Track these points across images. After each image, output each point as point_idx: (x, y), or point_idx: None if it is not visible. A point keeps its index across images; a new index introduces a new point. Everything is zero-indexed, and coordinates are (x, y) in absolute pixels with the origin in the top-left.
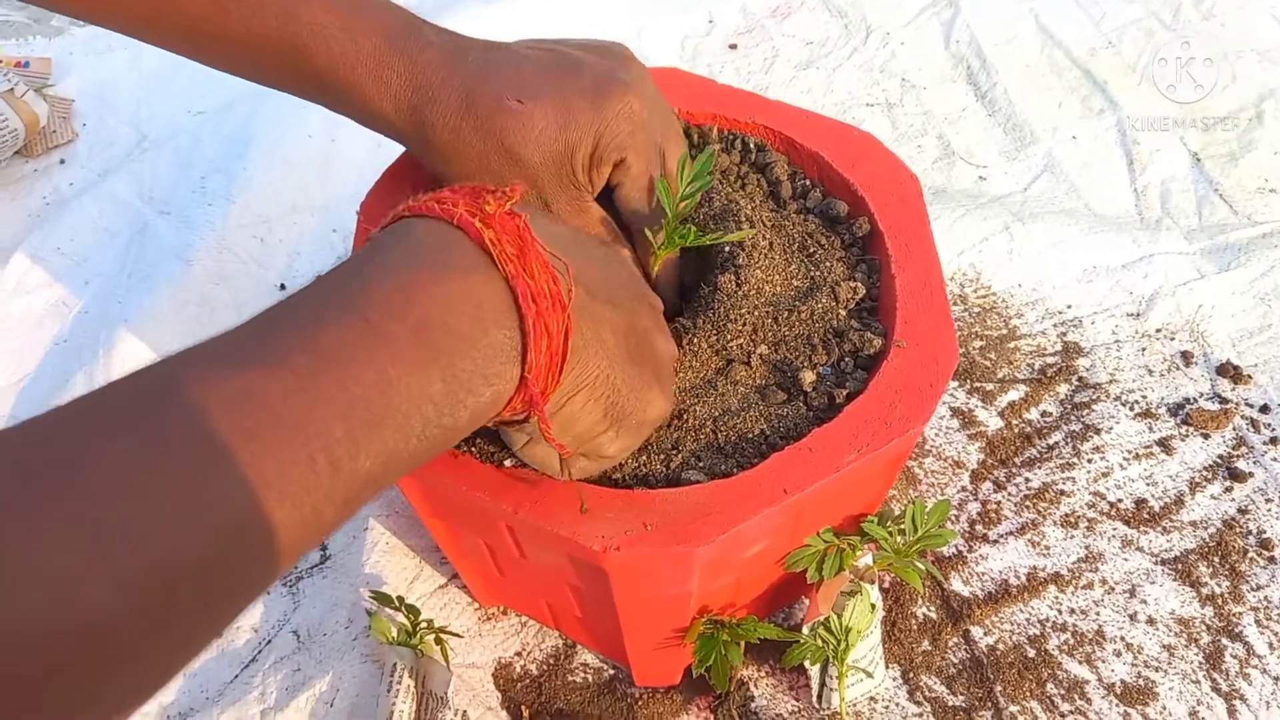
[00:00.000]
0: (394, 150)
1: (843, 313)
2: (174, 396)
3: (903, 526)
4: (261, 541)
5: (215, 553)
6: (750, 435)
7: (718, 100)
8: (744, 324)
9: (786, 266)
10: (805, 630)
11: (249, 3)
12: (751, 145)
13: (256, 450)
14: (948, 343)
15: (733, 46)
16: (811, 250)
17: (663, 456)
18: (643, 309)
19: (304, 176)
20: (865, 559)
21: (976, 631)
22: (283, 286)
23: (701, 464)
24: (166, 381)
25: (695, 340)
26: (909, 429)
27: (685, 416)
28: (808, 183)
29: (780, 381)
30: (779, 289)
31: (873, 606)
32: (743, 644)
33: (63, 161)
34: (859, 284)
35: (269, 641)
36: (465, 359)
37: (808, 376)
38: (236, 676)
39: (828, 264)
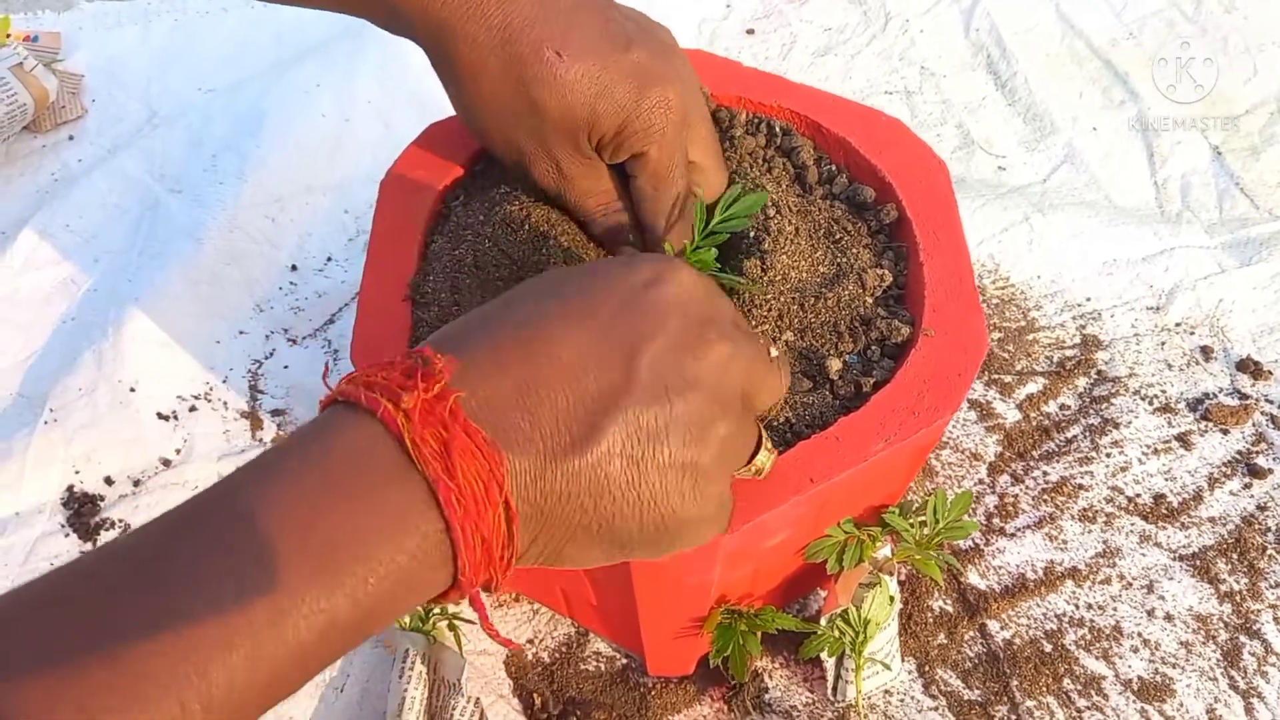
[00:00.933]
0: (407, 131)
1: (869, 300)
2: (18, 655)
3: (923, 518)
4: None
5: None
6: (775, 423)
7: (743, 83)
8: (769, 310)
9: (812, 252)
10: (823, 622)
11: None
12: (777, 129)
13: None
14: (977, 332)
15: (750, 32)
16: (838, 236)
17: None
18: (642, 411)
19: (316, 156)
20: (884, 550)
21: (993, 625)
22: (294, 267)
23: None
24: (8, 638)
25: None
26: (937, 419)
27: None
28: (834, 168)
29: (806, 369)
30: (805, 275)
31: (891, 599)
32: (759, 634)
33: (71, 137)
34: (886, 271)
35: None
36: (377, 578)
37: (834, 364)
38: None
39: (854, 250)
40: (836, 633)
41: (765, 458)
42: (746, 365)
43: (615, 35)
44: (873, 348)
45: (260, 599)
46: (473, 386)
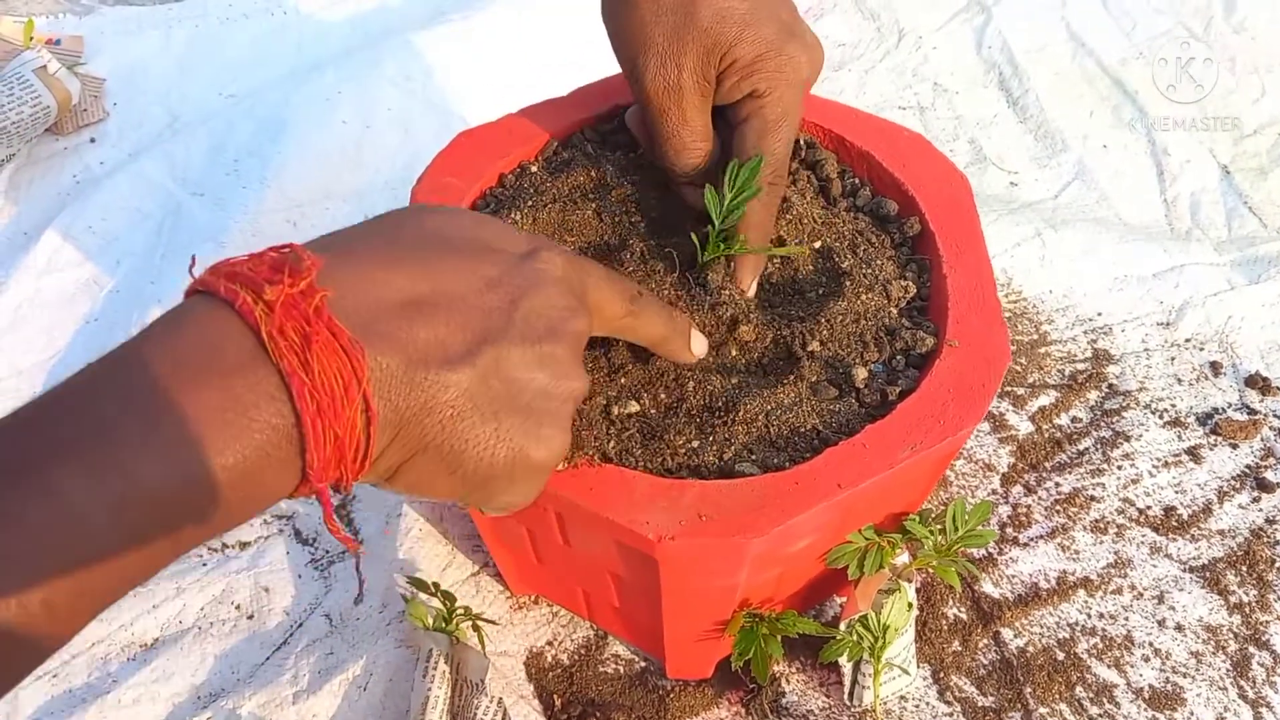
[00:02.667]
0: (425, 139)
1: (894, 311)
2: None
3: (943, 526)
4: None
5: None
6: (803, 430)
7: None
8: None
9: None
10: (843, 626)
11: None
12: (801, 142)
13: None
14: (1000, 343)
15: None
16: (862, 248)
17: (716, 448)
18: (516, 349)
19: (337, 163)
20: (902, 557)
21: (1007, 633)
22: None
23: (754, 457)
24: None
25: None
26: (962, 428)
27: (738, 409)
28: (857, 181)
29: (832, 377)
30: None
31: (910, 605)
32: (780, 638)
33: (93, 140)
34: (910, 283)
35: (300, 625)
36: (224, 470)
37: (860, 373)
38: (268, 659)
39: (878, 262)
40: (856, 637)
41: None
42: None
43: None
44: (897, 357)
45: (101, 493)
46: (346, 287)
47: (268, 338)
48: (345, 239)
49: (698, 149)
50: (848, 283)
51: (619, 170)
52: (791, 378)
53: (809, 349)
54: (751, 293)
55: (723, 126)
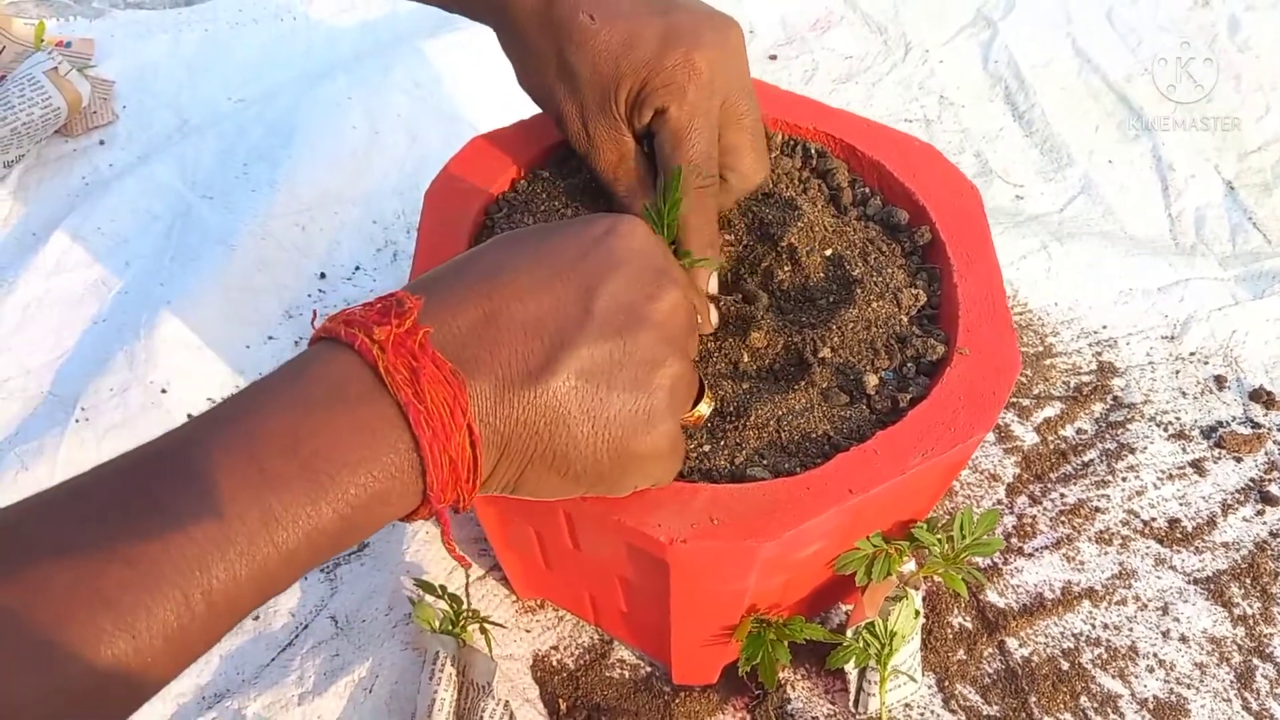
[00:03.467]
0: (434, 145)
1: (905, 319)
2: (43, 547)
3: (950, 534)
4: (120, 686)
5: (81, 694)
6: (814, 435)
7: (779, 105)
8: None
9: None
10: (850, 633)
11: None
12: (812, 151)
13: (128, 601)
14: (1010, 352)
15: (773, 58)
16: (873, 256)
17: (727, 452)
18: (596, 347)
19: (346, 167)
20: (910, 565)
21: (1011, 643)
22: (323, 275)
23: (765, 461)
24: (35, 531)
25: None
26: (972, 435)
27: (749, 414)
28: (868, 190)
29: (843, 384)
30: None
31: (916, 613)
32: (787, 643)
33: (102, 142)
34: (920, 291)
35: (306, 626)
36: (356, 487)
37: (871, 380)
38: (274, 659)
39: (889, 270)
40: (862, 644)
41: (705, 405)
42: (690, 314)
43: (656, 1)
44: (908, 365)
45: (253, 503)
46: (440, 322)
47: (384, 372)
48: (434, 276)
49: (629, 186)
50: (859, 290)
51: None
52: (803, 384)
53: (820, 355)
54: (713, 322)
55: None
